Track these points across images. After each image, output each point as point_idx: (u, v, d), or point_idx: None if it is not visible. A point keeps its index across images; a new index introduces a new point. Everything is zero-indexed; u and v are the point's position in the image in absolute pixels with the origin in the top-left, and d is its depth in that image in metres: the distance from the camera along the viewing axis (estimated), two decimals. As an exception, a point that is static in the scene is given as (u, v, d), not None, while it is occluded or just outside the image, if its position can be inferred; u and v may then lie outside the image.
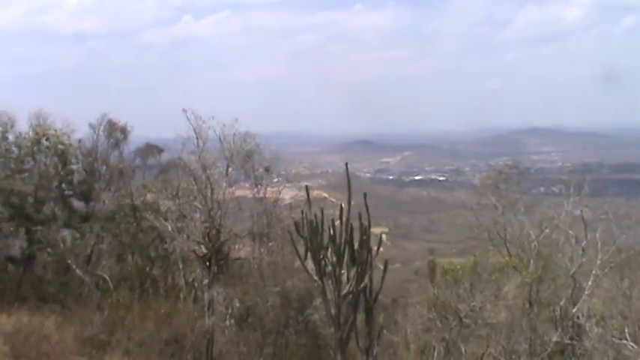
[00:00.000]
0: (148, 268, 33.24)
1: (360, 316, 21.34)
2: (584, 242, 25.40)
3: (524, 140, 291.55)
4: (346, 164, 23.94)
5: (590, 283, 24.63)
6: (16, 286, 31.93)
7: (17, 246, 34.28)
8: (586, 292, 24.59)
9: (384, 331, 24.03)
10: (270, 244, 29.92)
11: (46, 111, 35.76)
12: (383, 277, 21.19)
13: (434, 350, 25.29)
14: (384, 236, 24.37)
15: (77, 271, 30.61)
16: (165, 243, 31.50)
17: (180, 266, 31.27)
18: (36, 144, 34.82)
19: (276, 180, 33.64)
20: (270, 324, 26.32)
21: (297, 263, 23.32)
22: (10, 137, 34.87)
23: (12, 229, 33.16)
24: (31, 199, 33.07)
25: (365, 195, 20.88)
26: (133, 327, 23.92)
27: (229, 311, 26.65)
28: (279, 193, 31.92)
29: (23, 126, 35.14)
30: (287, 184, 33.75)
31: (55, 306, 28.99)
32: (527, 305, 25.60)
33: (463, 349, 24.69)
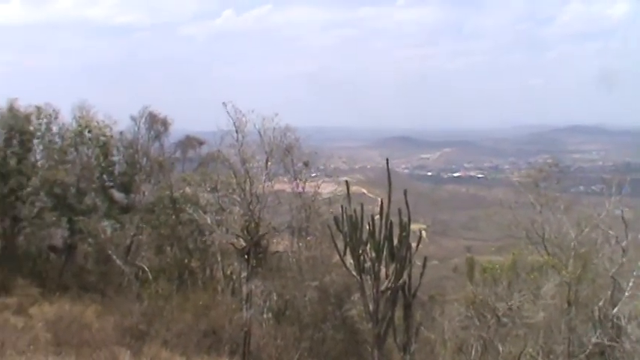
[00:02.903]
0: (186, 260, 33.42)
1: (398, 313, 21.26)
2: (625, 242, 24.95)
3: (565, 138, 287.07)
4: (387, 160, 23.83)
5: (630, 284, 24.20)
6: (58, 275, 32.48)
7: (59, 235, 34.85)
8: (626, 294, 24.18)
9: (422, 328, 23.93)
10: (308, 238, 29.92)
11: (89, 103, 36.31)
12: (422, 274, 21.06)
13: (471, 348, 25.09)
14: (423, 233, 24.24)
15: (117, 261, 30.94)
16: (204, 235, 31.65)
17: (219, 259, 31.46)
18: (79, 135, 35.41)
19: (314, 174, 33.59)
20: (307, 318, 26.38)
21: (336, 258, 23.29)
22: (54, 128, 35.54)
23: (54, 218, 33.66)
24: (73, 190, 33.58)
25: (405, 191, 20.77)
26: (172, 318, 24.09)
27: (267, 304, 26.80)
28: (318, 188, 31.85)
29: (67, 117, 35.80)
30: (326, 179, 33.72)
31: (95, 295, 29.44)
32: (566, 305, 25.23)
33: (500, 348, 24.43)
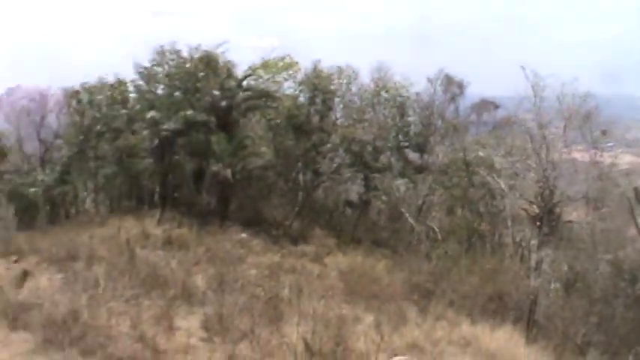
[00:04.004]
0: (476, 224, 33.39)
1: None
2: None
3: None
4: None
5: None
6: (352, 229, 33.88)
7: (355, 191, 36.44)
8: None
9: None
10: (603, 210, 28.59)
11: (386, 64, 37.33)
12: None
13: None
14: None
15: (409, 219, 31.68)
16: (496, 199, 31.46)
17: (509, 224, 31.09)
18: (376, 96, 36.74)
19: (611, 144, 31.92)
20: (597, 292, 25.37)
21: (631, 232, 22.21)
22: (354, 89, 37.20)
23: (349, 175, 35.25)
24: (369, 148, 34.77)
25: None
26: (459, 279, 24.22)
27: (556, 275, 26.12)
28: (616, 158, 30.22)
29: (365, 78, 37.08)
30: (624, 149, 31.98)
31: (385, 251, 30.38)
32: None
33: None
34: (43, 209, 36.81)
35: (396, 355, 13.34)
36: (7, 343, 12.47)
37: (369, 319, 17.45)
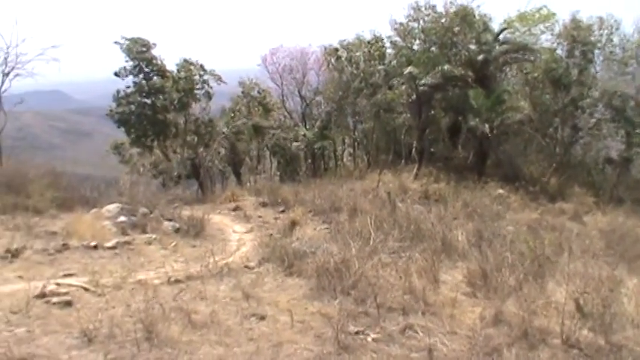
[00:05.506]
0: None
1: None
2: None
3: None
4: None
5: None
6: (612, 187, 32.77)
7: (615, 148, 35.11)
8: None
9: None
10: None
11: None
12: None
13: None
14: None
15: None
16: None
17: None
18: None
19: None
20: None
21: None
22: (615, 40, 35.70)
23: (610, 130, 34.07)
24: (632, 103, 33.26)
25: None
26: None
27: None
28: None
29: (628, 28, 35.53)
30: None
31: (648, 210, 29.07)
32: None
33: None
34: (304, 163, 38.94)
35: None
36: (284, 287, 13.29)
37: (633, 281, 16.98)
